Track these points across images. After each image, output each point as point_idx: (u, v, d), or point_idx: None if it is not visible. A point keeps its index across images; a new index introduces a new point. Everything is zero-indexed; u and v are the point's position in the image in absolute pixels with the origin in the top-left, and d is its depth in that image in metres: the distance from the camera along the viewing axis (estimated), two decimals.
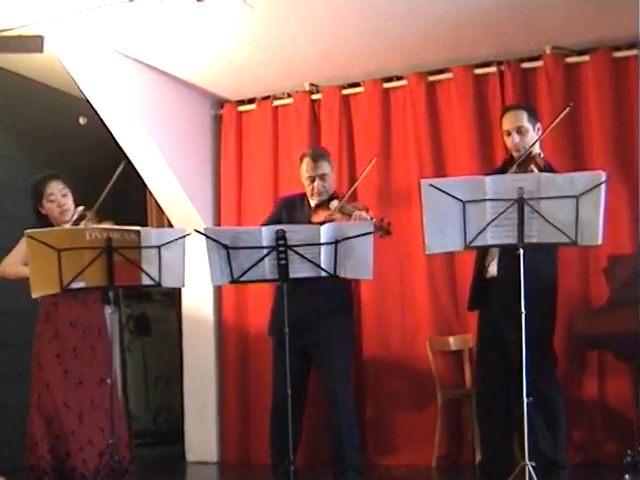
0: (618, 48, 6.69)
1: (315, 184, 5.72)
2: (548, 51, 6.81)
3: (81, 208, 5.54)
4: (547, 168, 5.12)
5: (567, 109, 5.00)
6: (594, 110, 6.72)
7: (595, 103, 6.72)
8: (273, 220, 5.75)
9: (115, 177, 5.18)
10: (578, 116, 6.77)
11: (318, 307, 5.60)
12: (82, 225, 5.33)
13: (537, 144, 5.25)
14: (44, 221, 5.53)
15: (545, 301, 5.23)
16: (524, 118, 5.33)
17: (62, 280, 4.88)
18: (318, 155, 5.82)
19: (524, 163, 5.08)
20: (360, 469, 5.71)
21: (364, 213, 5.38)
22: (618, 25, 6.36)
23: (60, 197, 5.55)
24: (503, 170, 5.28)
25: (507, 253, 5.01)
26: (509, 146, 5.38)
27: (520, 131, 5.29)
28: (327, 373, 5.70)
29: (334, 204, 5.53)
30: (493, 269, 5.35)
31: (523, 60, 6.97)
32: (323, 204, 5.67)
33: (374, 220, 5.30)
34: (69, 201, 5.58)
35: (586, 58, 6.80)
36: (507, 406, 5.26)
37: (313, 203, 5.76)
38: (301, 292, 5.34)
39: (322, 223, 5.07)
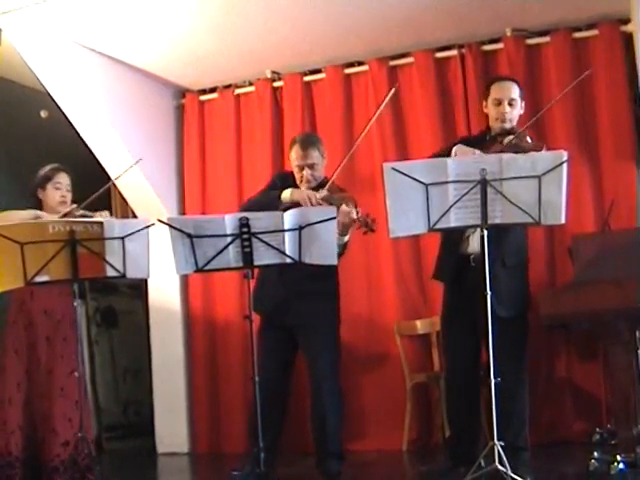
0: (578, 29, 6.73)
1: (304, 172, 5.56)
2: (509, 33, 6.82)
3: (74, 205, 5.61)
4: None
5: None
6: (555, 91, 6.70)
7: (556, 84, 6.73)
8: (271, 188, 5.65)
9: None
10: (540, 97, 6.80)
11: (303, 290, 5.47)
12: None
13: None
14: (35, 206, 5.60)
15: (524, 277, 5.34)
16: (517, 91, 5.32)
17: (26, 274, 4.85)
18: (308, 143, 5.61)
19: (518, 138, 5.08)
20: (341, 455, 5.68)
21: (353, 210, 5.19)
22: (577, 6, 6.40)
23: (65, 190, 5.70)
24: (482, 139, 5.28)
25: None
26: (495, 115, 5.30)
27: (511, 103, 5.27)
28: (314, 359, 5.57)
29: (322, 193, 5.42)
30: (474, 244, 5.16)
31: (484, 43, 6.98)
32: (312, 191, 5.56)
33: (359, 216, 5.16)
34: (69, 197, 5.72)
35: (546, 39, 6.82)
36: (475, 384, 5.27)
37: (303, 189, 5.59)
38: (288, 273, 5.35)
39: None
